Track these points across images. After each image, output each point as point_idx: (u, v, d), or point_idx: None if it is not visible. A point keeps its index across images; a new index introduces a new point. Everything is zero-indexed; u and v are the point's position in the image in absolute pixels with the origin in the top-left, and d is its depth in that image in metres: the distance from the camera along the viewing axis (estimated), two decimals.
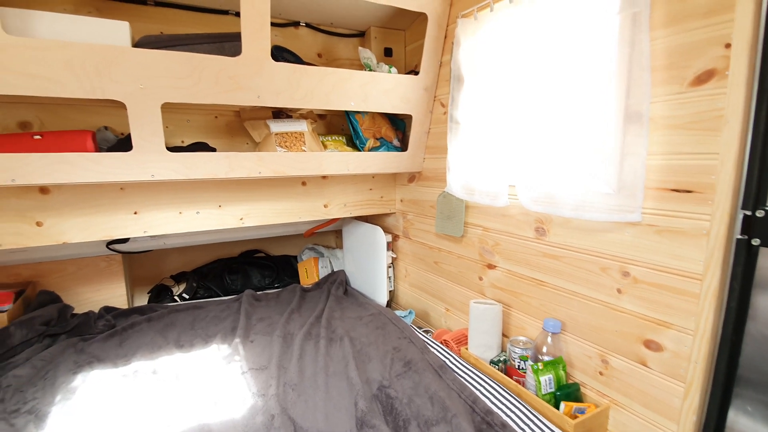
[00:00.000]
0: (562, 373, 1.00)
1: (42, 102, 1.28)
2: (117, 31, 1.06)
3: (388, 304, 1.76)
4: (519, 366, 1.08)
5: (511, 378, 1.09)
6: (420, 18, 1.58)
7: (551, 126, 1.00)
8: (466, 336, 1.34)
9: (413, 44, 1.68)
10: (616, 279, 0.93)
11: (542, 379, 0.97)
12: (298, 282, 2.19)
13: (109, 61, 1.01)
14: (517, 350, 1.09)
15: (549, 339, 1.03)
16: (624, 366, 0.93)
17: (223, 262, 2.25)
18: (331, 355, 1.31)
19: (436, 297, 1.58)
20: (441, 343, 1.33)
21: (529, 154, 1.05)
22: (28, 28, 0.97)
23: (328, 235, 2.58)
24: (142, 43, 1.09)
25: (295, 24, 1.61)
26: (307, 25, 1.63)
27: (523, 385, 1.04)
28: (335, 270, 2.19)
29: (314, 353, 1.33)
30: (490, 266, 1.29)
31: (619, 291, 0.93)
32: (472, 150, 1.26)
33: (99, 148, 1.20)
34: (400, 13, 1.55)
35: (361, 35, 1.73)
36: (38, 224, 1.23)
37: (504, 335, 1.23)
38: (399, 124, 1.65)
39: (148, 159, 1.14)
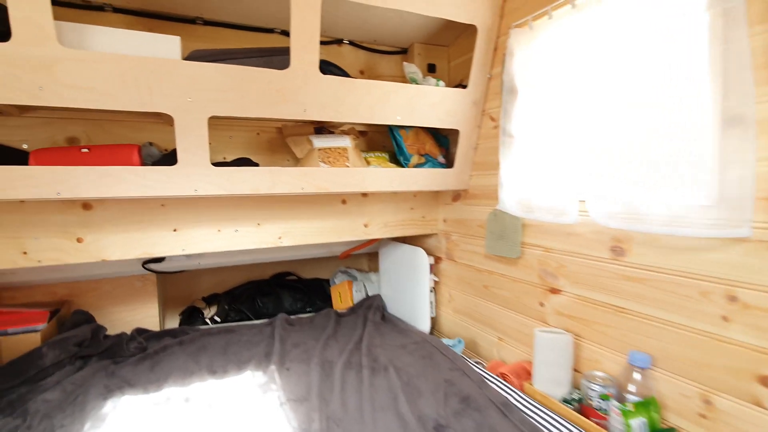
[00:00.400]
0: (655, 416, 0.85)
1: (90, 117, 1.28)
2: (168, 44, 1.05)
3: (431, 332, 1.63)
4: (598, 406, 0.94)
5: (589, 419, 0.94)
6: (466, 32, 1.54)
7: (630, 134, 0.90)
8: (527, 369, 1.21)
9: (458, 59, 1.64)
10: (721, 305, 0.80)
11: (633, 423, 0.83)
12: (331, 306, 2.10)
13: (160, 75, 0.99)
14: (595, 387, 0.95)
15: (636, 375, 0.89)
16: (733, 407, 0.78)
17: (254, 284, 2.19)
18: (376, 387, 1.19)
19: (486, 324, 1.45)
20: (498, 376, 1.20)
21: (604, 166, 0.95)
22: (83, 42, 0.97)
23: (361, 258, 2.50)
24: (192, 56, 1.08)
25: (339, 42, 1.59)
26: (351, 43, 1.61)
27: (606, 429, 0.90)
28: (370, 294, 2.09)
29: (357, 384, 1.22)
30: (554, 291, 1.17)
31: (725, 319, 0.79)
32: (530, 164, 1.17)
33: (144, 163, 1.18)
34: (445, 28, 1.51)
35: (403, 52, 1.70)
36: (79, 240, 1.20)
37: (575, 370, 1.09)
38: (443, 141, 1.58)
39: (193, 173, 1.10)
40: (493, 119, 1.38)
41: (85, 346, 1.45)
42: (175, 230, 1.30)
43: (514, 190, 1.23)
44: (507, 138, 1.26)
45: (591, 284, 1.05)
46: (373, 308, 1.85)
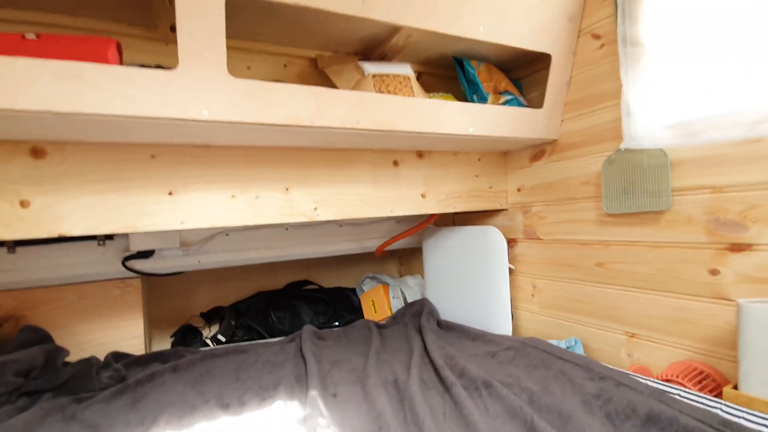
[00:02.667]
0: None
1: (43, 21, 0.90)
2: None
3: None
4: None
5: None
6: None
7: None
8: (701, 371, 0.81)
9: None
10: None
11: None
12: (361, 318, 1.67)
13: None
14: None
15: None
16: None
17: (265, 295, 1.76)
18: (488, 412, 0.77)
19: (604, 318, 1.05)
20: (666, 383, 0.79)
21: None
22: None
23: (389, 262, 2.10)
24: None
25: None
26: None
27: None
28: (409, 301, 1.68)
29: (453, 409, 0.80)
30: (736, 248, 0.79)
31: None
32: (687, 69, 0.82)
33: None
34: None
35: None
36: (23, 204, 0.79)
37: None
38: (514, 83, 1.24)
39: (201, 84, 0.72)
40: (596, 36, 1.05)
41: (33, 376, 0.99)
42: (170, 194, 0.90)
43: (657, 114, 0.88)
44: (632, 49, 0.92)
45: None
46: (424, 314, 1.43)
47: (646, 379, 0.80)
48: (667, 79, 0.86)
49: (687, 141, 0.82)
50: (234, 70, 1.03)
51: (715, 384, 0.79)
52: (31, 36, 0.63)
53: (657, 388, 0.74)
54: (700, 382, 0.79)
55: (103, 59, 0.66)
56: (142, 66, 0.69)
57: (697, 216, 0.85)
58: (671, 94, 0.86)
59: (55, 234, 0.80)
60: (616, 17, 0.95)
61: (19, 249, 1.14)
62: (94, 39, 0.67)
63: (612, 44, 1.00)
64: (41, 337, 1.10)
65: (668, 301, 0.91)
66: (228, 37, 0.98)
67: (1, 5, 0.85)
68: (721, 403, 0.69)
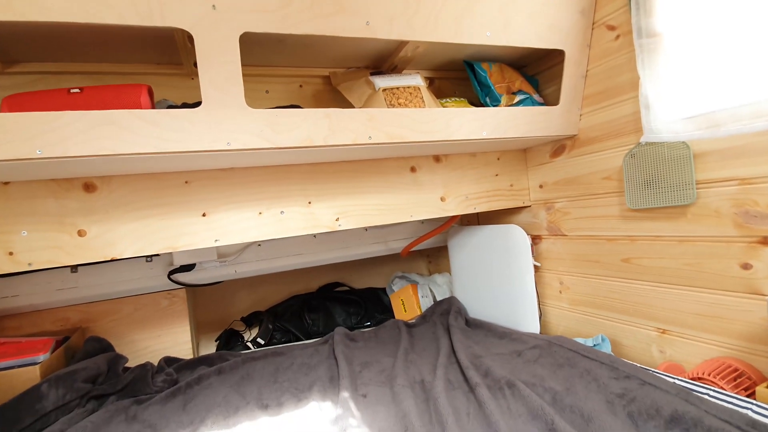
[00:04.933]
0: None
1: (85, 71, 1.00)
2: None
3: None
4: None
5: None
6: None
7: None
8: (735, 368, 0.78)
9: None
10: None
11: None
12: (393, 317, 1.72)
13: None
14: None
15: None
16: None
17: (300, 298, 1.85)
18: (511, 412, 0.79)
19: (634, 314, 1.03)
20: (696, 381, 0.78)
21: None
22: None
23: (418, 260, 2.13)
24: None
25: None
26: None
27: None
28: (438, 299, 1.70)
29: (477, 409, 0.83)
30: None
31: None
32: (707, 59, 0.79)
33: None
34: None
35: None
36: (81, 234, 0.89)
37: None
38: (531, 81, 1.23)
39: (223, 118, 0.79)
40: (611, 27, 1.02)
41: (99, 382, 1.12)
42: (204, 215, 0.98)
43: (676, 106, 0.85)
44: (648, 40, 0.89)
45: None
46: (452, 313, 1.46)
47: (675, 378, 0.79)
48: (686, 70, 0.83)
49: (709, 133, 0.79)
50: (254, 94, 1.10)
51: (751, 382, 0.77)
52: (75, 90, 0.72)
53: (684, 388, 0.73)
54: (734, 380, 0.76)
55: (137, 105, 0.74)
56: (170, 107, 0.76)
57: (724, 209, 0.82)
58: (690, 85, 0.82)
59: (108, 258, 0.91)
60: (630, 7, 0.92)
61: (80, 268, 1.28)
62: (128, 87, 0.75)
63: (628, 34, 0.97)
64: (104, 346, 1.23)
65: (699, 296, 0.88)
66: (246, 64, 1.05)
67: (44, 59, 0.95)
68: (752, 404, 0.68)
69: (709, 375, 0.78)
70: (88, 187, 0.90)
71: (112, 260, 0.97)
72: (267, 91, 1.13)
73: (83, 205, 0.90)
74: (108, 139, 0.72)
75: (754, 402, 0.67)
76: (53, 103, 0.70)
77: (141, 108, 0.75)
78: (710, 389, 0.73)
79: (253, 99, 1.11)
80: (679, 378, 0.79)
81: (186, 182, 0.96)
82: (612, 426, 0.68)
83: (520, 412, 0.78)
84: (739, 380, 0.76)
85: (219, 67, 0.76)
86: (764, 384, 0.70)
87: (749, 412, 0.65)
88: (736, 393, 0.74)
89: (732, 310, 0.83)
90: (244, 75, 0.79)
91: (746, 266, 0.80)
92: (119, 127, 0.72)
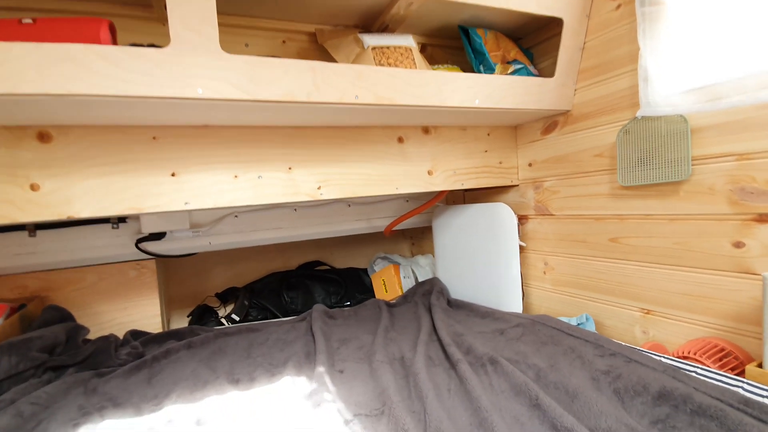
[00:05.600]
0: None
1: (44, 8, 0.90)
2: None
3: None
4: None
5: None
6: None
7: None
8: (722, 348, 0.77)
9: None
10: None
11: None
12: (373, 297, 1.68)
13: None
14: None
15: None
16: None
17: (278, 276, 1.79)
18: (493, 388, 0.76)
19: (619, 294, 1.01)
20: (681, 359, 0.76)
21: None
22: None
23: (401, 242, 2.09)
24: None
25: None
26: None
27: None
28: (420, 280, 1.67)
29: (458, 385, 0.80)
30: (764, 218, 0.74)
31: None
32: (712, 27, 0.76)
33: None
34: None
35: None
36: (33, 188, 0.81)
37: None
38: (525, 53, 1.18)
39: (194, 62, 0.71)
40: None
41: (57, 353, 1.04)
42: (173, 175, 0.90)
43: (677, 78, 0.82)
44: (650, 8, 0.85)
45: None
46: (434, 293, 1.42)
47: (660, 356, 0.77)
48: (689, 40, 0.80)
49: (710, 106, 0.76)
50: (232, 47, 1.01)
51: (738, 362, 0.76)
52: (27, 21, 0.63)
53: (671, 365, 0.71)
54: (720, 359, 0.75)
55: (96, 40, 0.66)
56: (134, 45, 0.68)
57: (719, 185, 0.80)
58: (693, 56, 0.79)
59: (64, 216, 0.82)
60: None
61: (39, 232, 1.19)
62: (86, 20, 0.67)
63: (630, 4, 0.93)
64: (63, 316, 1.15)
65: (687, 276, 0.87)
66: (225, 14, 0.97)
67: None
68: (743, 382, 0.66)
69: (694, 354, 0.77)
70: (43, 136, 0.81)
71: (75, 221, 0.89)
72: (247, 45, 1.04)
73: (37, 157, 0.81)
74: (63, 77, 0.64)
75: (745, 380, 0.66)
76: (1, 34, 0.62)
77: (101, 43, 0.66)
78: (698, 367, 0.72)
79: (231, 53, 1.03)
80: (666, 356, 0.77)
81: (154, 138, 0.88)
82: (597, 402, 0.66)
83: (503, 388, 0.75)
84: (725, 360, 0.75)
85: (192, 2, 0.68)
86: (754, 363, 0.69)
87: (740, 390, 0.63)
88: (728, 371, 0.72)
89: (720, 290, 0.81)
90: (221, 25, 0.72)
91: (739, 244, 0.78)
92: (76, 63, 0.64)
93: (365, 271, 1.91)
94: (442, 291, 1.45)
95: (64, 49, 0.63)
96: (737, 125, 0.76)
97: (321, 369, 0.93)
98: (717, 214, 0.81)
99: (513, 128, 1.30)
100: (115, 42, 0.72)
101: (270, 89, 0.77)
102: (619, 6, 0.96)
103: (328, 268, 1.90)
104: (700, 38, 0.78)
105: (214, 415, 0.77)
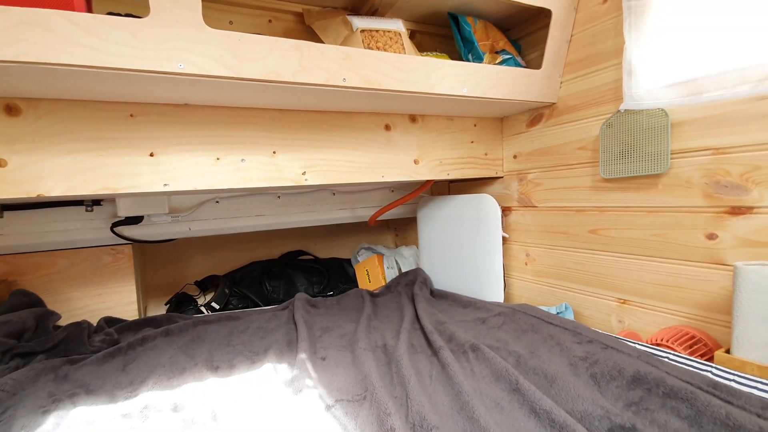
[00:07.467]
0: None
1: None
2: None
3: None
4: None
5: None
6: None
7: None
8: (692, 336, 0.80)
9: None
10: None
11: None
12: (356, 287, 1.68)
13: None
14: None
15: None
16: None
17: (260, 265, 1.76)
18: (475, 375, 0.77)
19: (597, 285, 1.04)
20: (654, 345, 0.79)
21: None
22: None
23: (385, 233, 2.09)
24: None
25: None
26: None
27: None
28: (403, 270, 1.68)
29: (440, 372, 0.80)
30: (736, 211, 0.77)
31: None
32: (696, 21, 0.77)
33: None
34: None
35: None
36: (0, 163, 0.76)
37: None
38: (513, 44, 1.18)
39: (175, 34, 0.68)
40: None
41: (26, 339, 1.00)
42: (152, 155, 0.87)
43: (660, 72, 0.84)
44: (636, 2, 0.86)
45: None
46: (417, 283, 1.43)
47: (635, 343, 0.80)
48: (673, 34, 0.81)
49: (691, 100, 0.78)
50: (215, 24, 0.98)
51: (707, 349, 0.79)
52: None
53: (645, 351, 0.73)
54: (690, 346, 0.78)
55: (69, 6, 0.62)
56: (111, 14, 0.65)
57: (695, 179, 0.82)
58: (676, 50, 0.81)
59: (33, 194, 0.78)
60: None
61: (7, 214, 1.13)
62: None
63: None
64: (32, 301, 1.10)
65: (662, 266, 0.89)
66: None
67: None
68: (711, 366, 0.69)
69: (667, 341, 0.79)
70: (11, 109, 0.77)
71: (47, 202, 0.85)
72: (231, 22, 1.01)
73: (4, 131, 0.77)
74: (32, 43, 0.60)
75: (714, 365, 0.68)
76: None
77: (74, 9, 0.63)
78: (670, 353, 0.74)
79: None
80: (640, 343, 0.80)
81: (131, 115, 0.85)
82: (575, 386, 0.67)
83: (484, 374, 0.76)
84: (695, 347, 0.78)
85: None
86: (722, 349, 0.72)
87: (709, 374, 0.66)
88: (698, 357, 0.75)
89: (692, 280, 0.84)
90: (205, 3, 0.69)
91: (711, 236, 0.81)
92: (46, 29, 0.60)
93: (349, 261, 1.90)
94: (426, 281, 1.46)
95: (34, 13, 0.60)
96: (715, 120, 0.78)
97: (303, 356, 0.92)
98: (692, 207, 0.83)
99: (499, 120, 1.30)
100: (90, 9, 0.69)
101: (254, 67, 0.75)
102: (605, 0, 0.97)
103: (311, 257, 1.88)
104: (683, 33, 0.80)
105: (191, 401, 0.75)
